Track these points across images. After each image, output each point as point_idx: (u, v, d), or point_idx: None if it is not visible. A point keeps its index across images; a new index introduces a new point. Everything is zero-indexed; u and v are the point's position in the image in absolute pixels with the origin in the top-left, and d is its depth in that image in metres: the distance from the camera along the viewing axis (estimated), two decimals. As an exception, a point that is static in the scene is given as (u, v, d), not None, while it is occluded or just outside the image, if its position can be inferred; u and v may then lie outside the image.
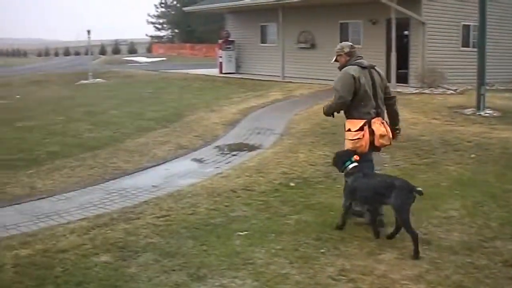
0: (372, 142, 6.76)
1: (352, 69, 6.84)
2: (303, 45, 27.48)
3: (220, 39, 32.04)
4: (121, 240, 6.88)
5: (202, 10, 35.60)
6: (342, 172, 6.86)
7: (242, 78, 28.39)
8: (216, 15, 57.57)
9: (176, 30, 76.57)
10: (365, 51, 23.33)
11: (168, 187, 9.40)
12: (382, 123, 6.84)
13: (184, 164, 11.34)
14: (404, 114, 12.68)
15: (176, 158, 11.88)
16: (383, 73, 7.18)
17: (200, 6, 34.47)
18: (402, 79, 22.05)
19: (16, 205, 8.56)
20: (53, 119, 17.11)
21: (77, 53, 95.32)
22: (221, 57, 31.52)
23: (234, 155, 12.01)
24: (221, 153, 12.21)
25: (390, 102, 7.15)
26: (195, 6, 35.67)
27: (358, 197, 6.63)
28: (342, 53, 7.11)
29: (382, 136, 6.73)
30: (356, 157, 6.71)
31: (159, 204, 8.39)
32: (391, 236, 6.54)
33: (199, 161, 11.60)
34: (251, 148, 12.64)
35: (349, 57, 7.06)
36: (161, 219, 7.68)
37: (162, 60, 55.65)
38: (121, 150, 12.31)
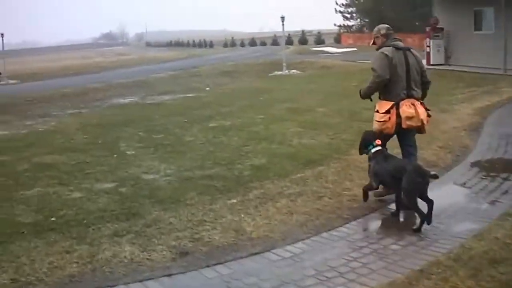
0: (400, 124, 6.69)
1: (386, 50, 6.82)
2: (529, 33, 22.72)
3: (428, 26, 27.93)
4: None
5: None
6: (366, 154, 6.94)
7: (455, 70, 24.60)
8: (410, 2, 53.24)
9: (366, 19, 72.32)
10: None
11: (444, 238, 5.88)
12: (413, 104, 6.71)
13: (445, 193, 7.66)
14: None
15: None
16: (420, 56, 7.10)
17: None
18: None
19: (217, 266, 5.42)
20: (251, 117, 14.23)
21: (263, 43, 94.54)
22: (428, 46, 27.66)
23: (504, 178, 8.17)
24: (486, 176, 8.39)
25: (424, 87, 7.08)
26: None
27: (382, 182, 6.70)
28: (378, 35, 7.15)
29: (409, 118, 6.66)
30: (378, 142, 6.75)
31: (445, 274, 4.86)
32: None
33: (463, 187, 7.92)
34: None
35: (386, 39, 7.04)
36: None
37: (354, 50, 52.01)
38: (351, 166, 8.87)
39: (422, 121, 6.79)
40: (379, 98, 7.04)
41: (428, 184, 6.19)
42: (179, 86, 24.80)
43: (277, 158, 9.60)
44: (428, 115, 6.95)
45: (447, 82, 20.83)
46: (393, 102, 6.74)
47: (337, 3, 73.47)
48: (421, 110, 6.79)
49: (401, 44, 6.98)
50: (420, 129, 6.95)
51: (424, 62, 24.64)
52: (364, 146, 6.98)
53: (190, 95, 20.75)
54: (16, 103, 21.29)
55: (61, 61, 71.71)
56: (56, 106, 19.77)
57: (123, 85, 26.68)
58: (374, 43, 7.27)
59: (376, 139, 6.83)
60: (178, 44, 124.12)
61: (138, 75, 32.38)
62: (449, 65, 26.53)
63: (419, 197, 6.15)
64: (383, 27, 7.23)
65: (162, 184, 8.31)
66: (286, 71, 28.45)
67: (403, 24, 59.31)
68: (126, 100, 20.58)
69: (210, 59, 46.70)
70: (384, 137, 6.95)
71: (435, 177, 6.36)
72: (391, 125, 6.78)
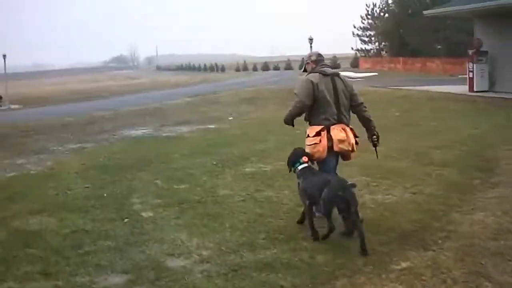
0: (331, 148, 6.63)
1: (312, 76, 6.84)
2: None
3: (472, 49, 25.24)
4: None
5: (445, 14, 28.99)
6: (293, 172, 6.85)
7: (506, 98, 21.80)
8: (431, 25, 50.69)
9: (385, 43, 69.80)
10: None
11: None
12: (343, 129, 6.71)
13: None
14: None
15: None
16: (348, 81, 7.05)
17: (444, 9, 27.81)
18: None
19: None
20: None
21: (276, 68, 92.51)
22: (471, 71, 24.94)
23: None
24: None
25: (357, 109, 7.02)
26: (438, 9, 28.96)
27: (308, 197, 6.47)
28: (309, 61, 7.18)
29: (341, 141, 6.64)
30: (304, 159, 6.69)
31: None
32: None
33: None
34: None
35: (315, 65, 7.06)
36: None
37: (375, 75, 49.38)
38: (472, 247, 6.03)
39: (352, 145, 6.75)
40: (309, 124, 6.93)
41: (351, 197, 6.03)
42: (198, 114, 21.96)
43: (356, 229, 6.73)
44: (356, 142, 6.86)
45: (507, 113, 18.10)
46: (322, 126, 6.67)
47: (354, 27, 71.26)
48: (351, 135, 6.76)
49: (329, 70, 7.00)
50: (348, 155, 6.92)
51: (465, 88, 22.15)
52: (292, 164, 6.86)
53: (212, 126, 17.90)
54: (11, 134, 18.36)
55: (69, 85, 69.73)
56: (56, 138, 16.84)
57: (135, 113, 23.77)
58: (305, 69, 7.27)
59: (304, 156, 6.73)
60: (189, 68, 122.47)
61: (150, 102, 29.51)
62: (495, 91, 23.88)
63: (344, 212, 6.16)
64: (314, 53, 7.29)
65: (197, 279, 5.39)
66: (315, 98, 25.75)
67: (423, 47, 56.89)
68: (139, 132, 17.68)
69: (226, 84, 44.15)
70: (326, 164, 6.84)
71: (353, 185, 6.25)
72: (322, 148, 6.67)
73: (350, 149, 6.78)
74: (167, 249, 6.27)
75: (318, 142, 6.67)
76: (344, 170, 9.92)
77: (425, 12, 30.21)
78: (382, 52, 71.25)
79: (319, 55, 7.25)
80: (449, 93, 25.46)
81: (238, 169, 10.56)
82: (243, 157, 11.65)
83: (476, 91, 24.17)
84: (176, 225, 7.18)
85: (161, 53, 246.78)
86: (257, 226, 6.98)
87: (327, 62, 7.32)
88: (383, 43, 71.03)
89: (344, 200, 6.02)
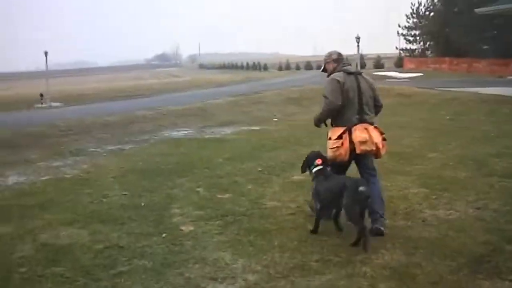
0: (354, 150, 6.49)
1: (337, 75, 6.74)
2: None
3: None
4: None
5: (499, 12, 27.75)
6: (306, 173, 6.94)
7: None
8: (478, 25, 49.15)
9: (430, 42, 68.20)
10: None
11: None
12: (366, 129, 6.54)
13: None
14: None
15: None
16: (372, 80, 6.96)
17: (498, 7, 26.60)
18: None
19: None
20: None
21: (319, 67, 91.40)
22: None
23: None
24: None
25: (375, 110, 6.95)
26: (492, 7, 27.71)
27: (323, 200, 6.44)
28: (330, 60, 7.08)
29: (362, 142, 6.48)
30: (318, 161, 6.65)
31: None
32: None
33: None
34: None
35: (337, 64, 7.00)
36: None
37: (420, 75, 48.11)
38: None
39: (376, 145, 6.55)
40: (331, 124, 6.86)
41: (369, 199, 6.09)
42: (242, 115, 21.37)
43: (420, 251, 5.97)
44: (383, 139, 6.73)
45: None
46: (345, 128, 6.57)
47: (399, 26, 69.91)
48: (375, 134, 6.59)
49: (352, 68, 6.93)
50: (376, 154, 6.70)
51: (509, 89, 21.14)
52: (307, 166, 6.86)
53: (256, 128, 17.27)
54: (49, 133, 17.86)
55: (111, 82, 69.76)
56: (94, 139, 16.38)
57: (176, 113, 23.15)
58: (324, 68, 7.17)
59: (318, 158, 6.70)
60: (232, 67, 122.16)
61: (193, 101, 28.88)
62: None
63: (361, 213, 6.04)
64: (334, 52, 7.19)
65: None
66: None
67: (469, 48, 55.27)
68: (180, 133, 17.12)
69: (269, 84, 43.38)
70: (340, 165, 6.72)
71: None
72: (344, 152, 6.56)
73: (374, 148, 6.58)
74: (209, 272, 5.59)
75: (340, 145, 6.55)
76: (401, 180, 9.24)
77: (477, 10, 28.99)
78: (427, 52, 69.78)
79: (339, 54, 7.18)
80: (500, 95, 24.55)
81: (286, 177, 9.88)
82: (290, 163, 10.94)
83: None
84: (219, 242, 6.50)
85: (203, 51, 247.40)
86: (309, 245, 6.26)
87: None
88: (428, 43, 69.54)
89: (365, 197, 6.06)
